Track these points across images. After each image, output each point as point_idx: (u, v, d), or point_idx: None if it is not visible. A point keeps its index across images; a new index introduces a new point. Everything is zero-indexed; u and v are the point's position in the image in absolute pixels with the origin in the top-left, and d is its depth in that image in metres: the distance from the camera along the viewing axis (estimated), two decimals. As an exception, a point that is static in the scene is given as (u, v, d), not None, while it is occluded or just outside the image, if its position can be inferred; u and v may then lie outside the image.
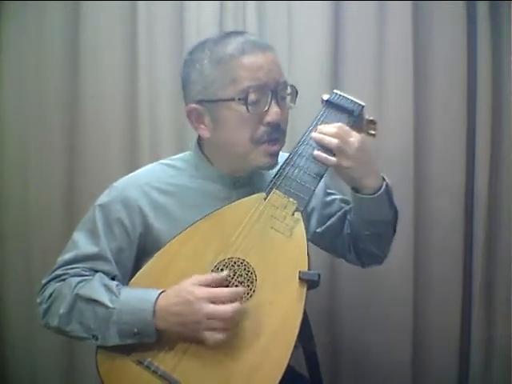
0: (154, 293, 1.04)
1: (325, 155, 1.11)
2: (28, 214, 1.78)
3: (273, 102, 1.10)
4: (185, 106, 1.16)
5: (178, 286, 1.02)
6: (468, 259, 1.80)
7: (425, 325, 1.81)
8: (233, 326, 1.00)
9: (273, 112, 1.10)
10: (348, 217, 1.28)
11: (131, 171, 1.25)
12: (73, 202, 1.77)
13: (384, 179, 1.17)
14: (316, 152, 1.11)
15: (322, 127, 1.13)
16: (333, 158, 1.10)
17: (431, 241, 1.80)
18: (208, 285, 1.02)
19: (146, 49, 1.73)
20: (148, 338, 1.03)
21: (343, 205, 1.31)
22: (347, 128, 1.12)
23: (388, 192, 1.16)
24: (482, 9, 1.72)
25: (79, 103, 1.76)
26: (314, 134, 1.12)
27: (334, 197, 1.33)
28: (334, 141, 1.10)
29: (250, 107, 1.09)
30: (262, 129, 1.11)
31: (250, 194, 1.14)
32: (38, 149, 1.77)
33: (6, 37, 1.75)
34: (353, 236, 1.27)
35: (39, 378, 1.81)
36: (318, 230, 1.30)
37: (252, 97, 1.08)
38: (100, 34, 1.74)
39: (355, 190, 1.16)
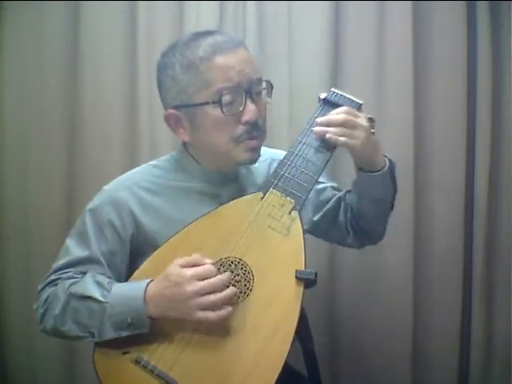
0: (144, 282, 1.05)
1: (335, 137, 1.10)
2: (28, 214, 1.79)
3: (248, 100, 1.10)
4: (164, 110, 1.16)
5: (166, 271, 1.03)
6: (468, 259, 1.80)
7: (425, 325, 1.81)
8: (230, 319, 1.01)
9: (249, 111, 1.10)
10: (349, 202, 1.29)
11: (131, 171, 1.25)
12: (73, 202, 1.77)
13: (385, 155, 1.19)
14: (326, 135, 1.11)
15: (323, 119, 1.13)
16: (343, 138, 1.10)
17: (431, 241, 1.80)
18: (193, 265, 1.02)
19: (146, 49, 1.73)
20: (142, 328, 1.03)
21: (335, 191, 1.33)
22: (353, 110, 1.13)
23: (391, 166, 1.19)
24: (482, 9, 1.72)
25: (79, 103, 1.76)
26: (316, 129, 1.12)
27: (325, 184, 1.34)
28: (340, 118, 1.10)
29: (224, 109, 1.08)
30: (241, 128, 1.11)
31: (238, 191, 1.16)
32: (38, 149, 1.78)
33: (6, 37, 1.75)
34: (356, 219, 1.28)
35: (39, 378, 1.81)
36: (315, 218, 1.31)
37: (226, 98, 1.08)
38: (100, 33, 1.74)
39: (363, 170, 1.18)
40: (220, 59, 1.08)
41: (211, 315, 1.00)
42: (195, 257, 1.03)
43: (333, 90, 1.19)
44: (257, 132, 1.13)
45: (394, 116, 1.74)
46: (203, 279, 1.00)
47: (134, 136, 1.76)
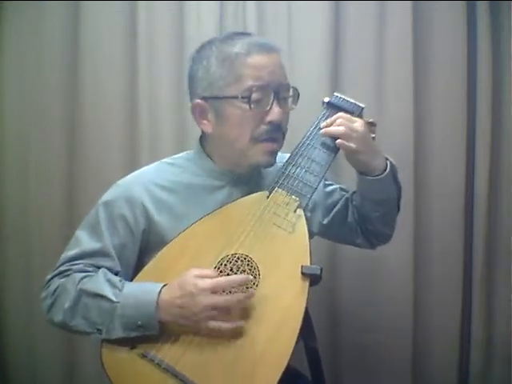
0: (157, 286, 1.06)
1: (335, 128, 1.13)
2: (28, 214, 1.78)
3: (274, 102, 1.13)
4: (190, 102, 1.18)
5: (181, 279, 1.04)
6: (468, 259, 1.80)
7: (425, 325, 1.81)
8: (238, 317, 1.03)
9: (274, 112, 1.13)
10: (354, 203, 1.30)
11: (131, 171, 1.25)
12: (73, 202, 1.77)
13: (387, 158, 1.21)
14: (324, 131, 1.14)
15: (325, 123, 1.16)
16: (339, 140, 1.13)
17: (431, 241, 1.80)
18: (209, 277, 1.04)
19: (146, 49, 1.73)
20: (151, 331, 1.05)
21: (343, 193, 1.35)
22: (348, 116, 1.16)
23: (393, 170, 1.21)
24: (482, 9, 1.72)
25: (79, 103, 1.76)
26: (322, 131, 1.15)
27: (333, 186, 1.36)
28: (340, 128, 1.13)
29: (252, 105, 1.11)
30: (263, 127, 1.13)
31: (250, 191, 1.16)
32: (38, 149, 1.77)
33: (6, 37, 1.75)
34: (361, 220, 1.29)
35: (39, 378, 1.81)
36: (325, 222, 1.32)
37: (255, 96, 1.11)
38: (100, 33, 1.74)
39: (363, 173, 1.19)
40: (254, 58, 1.11)
41: (223, 326, 1.02)
42: (210, 271, 1.05)
43: (336, 94, 1.22)
44: (277, 134, 1.15)
45: (394, 116, 1.75)
46: (217, 292, 1.02)
47: (134, 136, 1.76)
